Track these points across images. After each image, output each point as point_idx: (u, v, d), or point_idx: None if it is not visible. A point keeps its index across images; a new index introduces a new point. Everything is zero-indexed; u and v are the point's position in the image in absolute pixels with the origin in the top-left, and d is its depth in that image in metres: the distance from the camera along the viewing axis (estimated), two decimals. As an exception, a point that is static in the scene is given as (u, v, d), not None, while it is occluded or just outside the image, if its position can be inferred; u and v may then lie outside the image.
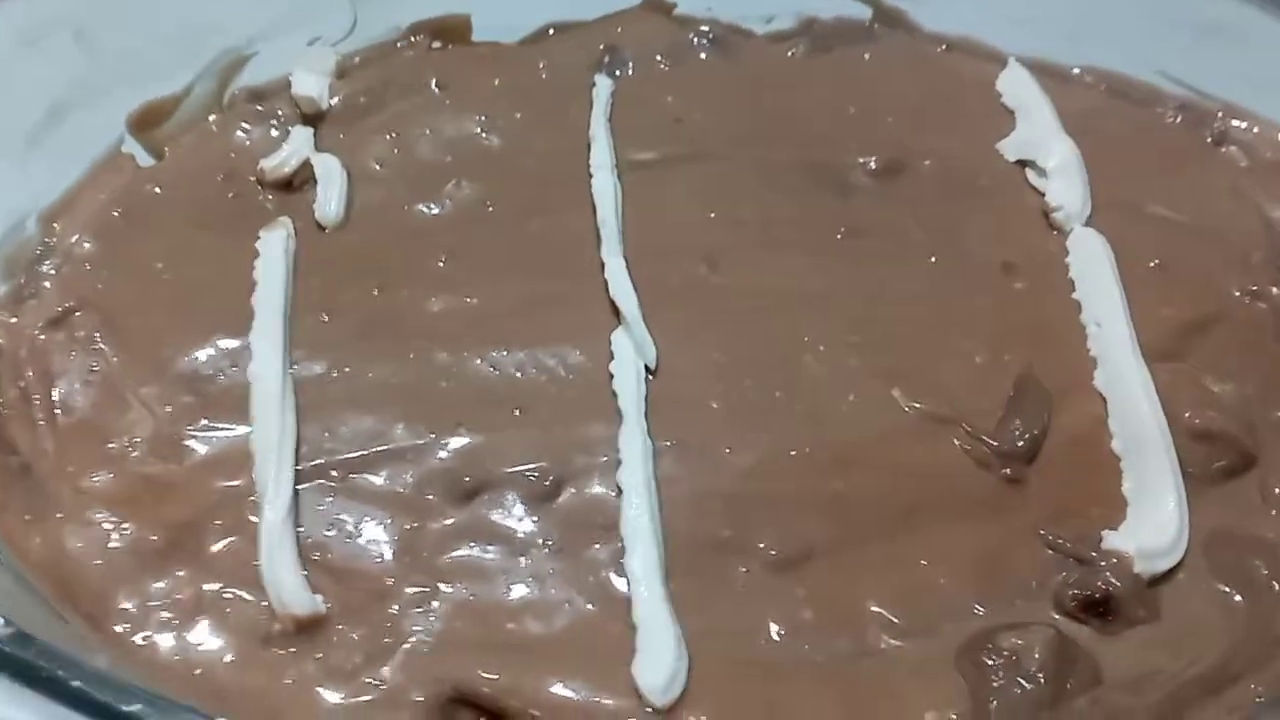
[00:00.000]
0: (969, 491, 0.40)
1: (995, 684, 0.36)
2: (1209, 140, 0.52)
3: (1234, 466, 0.42)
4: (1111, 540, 0.39)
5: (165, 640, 0.35)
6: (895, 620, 0.37)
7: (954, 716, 0.35)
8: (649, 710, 0.34)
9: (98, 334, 0.41)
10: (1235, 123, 0.52)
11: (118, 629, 0.35)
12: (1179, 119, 0.53)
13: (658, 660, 0.35)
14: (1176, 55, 0.53)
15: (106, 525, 0.37)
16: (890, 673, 0.36)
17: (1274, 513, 0.41)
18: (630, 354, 0.42)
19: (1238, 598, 0.39)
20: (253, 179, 0.47)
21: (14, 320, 0.41)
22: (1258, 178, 0.50)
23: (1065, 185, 0.48)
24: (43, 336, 0.41)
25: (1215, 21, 0.52)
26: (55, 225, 0.44)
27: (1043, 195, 0.48)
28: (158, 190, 0.46)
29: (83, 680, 0.29)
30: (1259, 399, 0.43)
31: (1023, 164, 0.50)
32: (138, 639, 0.35)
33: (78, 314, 0.42)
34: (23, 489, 0.38)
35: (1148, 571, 0.38)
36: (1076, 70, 0.54)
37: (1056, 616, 0.38)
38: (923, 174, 0.49)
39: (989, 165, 0.50)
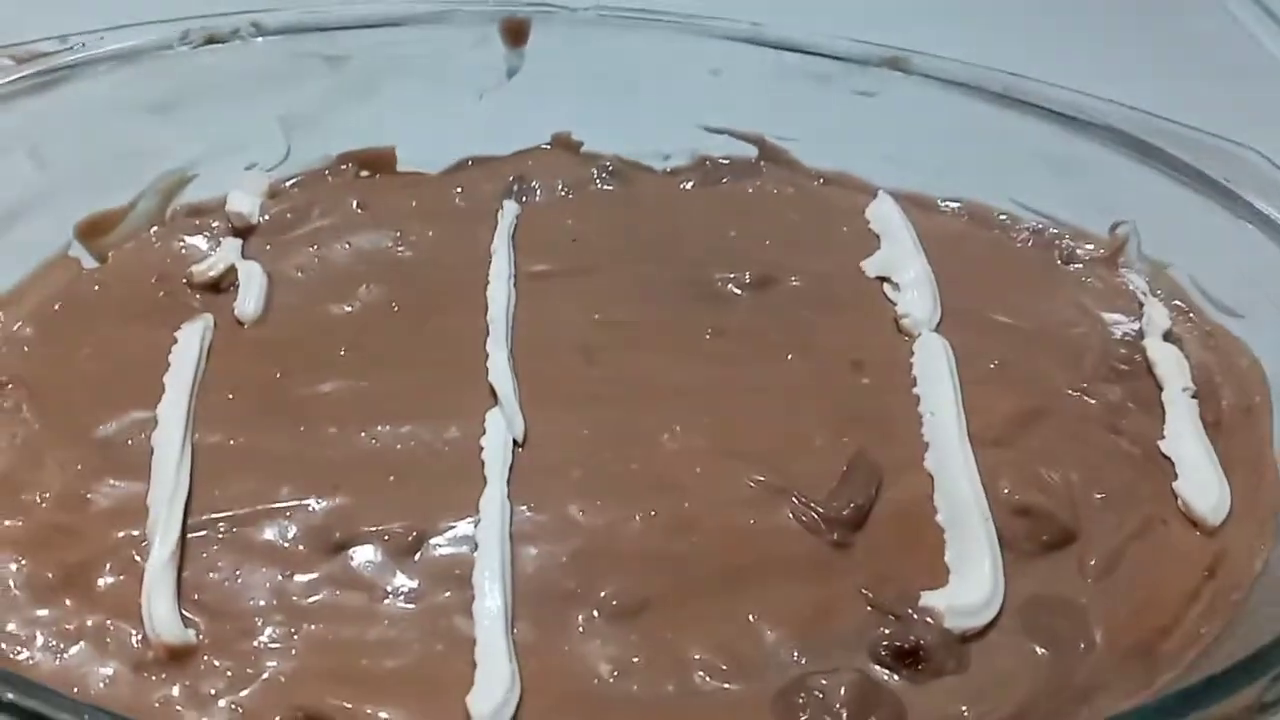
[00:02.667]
0: (798, 554, 0.44)
1: (802, 720, 0.39)
2: (1057, 260, 0.58)
3: (1054, 541, 0.45)
4: (928, 599, 0.42)
5: (47, 660, 0.39)
6: (721, 666, 0.41)
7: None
8: (478, 736, 0.38)
9: (24, 405, 0.46)
10: (1080, 245, 0.58)
11: (3, 646, 0.39)
12: (1030, 242, 0.58)
13: (490, 692, 0.38)
14: (1030, 187, 0.59)
15: (10, 564, 0.41)
16: (710, 711, 0.39)
17: (1089, 581, 0.44)
18: (501, 429, 0.46)
19: (1042, 653, 0.42)
20: (184, 281, 0.52)
21: (-50, 391, 0.47)
22: (1098, 293, 0.56)
23: (916, 297, 0.54)
24: (-27, 406, 0.46)
25: (1064, 156, 0.58)
26: (0, 314, 0.50)
27: (895, 305, 0.54)
28: (96, 288, 0.52)
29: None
30: (1081, 482, 0.47)
31: (882, 280, 0.55)
32: (21, 658, 0.39)
33: (9, 387, 0.47)
34: (-60, 532, 0.42)
35: (958, 628, 0.42)
36: (941, 201, 0.60)
37: (872, 665, 0.41)
38: (790, 287, 0.55)
39: (851, 281, 0.55)
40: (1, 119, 0.49)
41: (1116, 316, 0.54)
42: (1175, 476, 0.48)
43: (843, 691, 0.39)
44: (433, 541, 0.43)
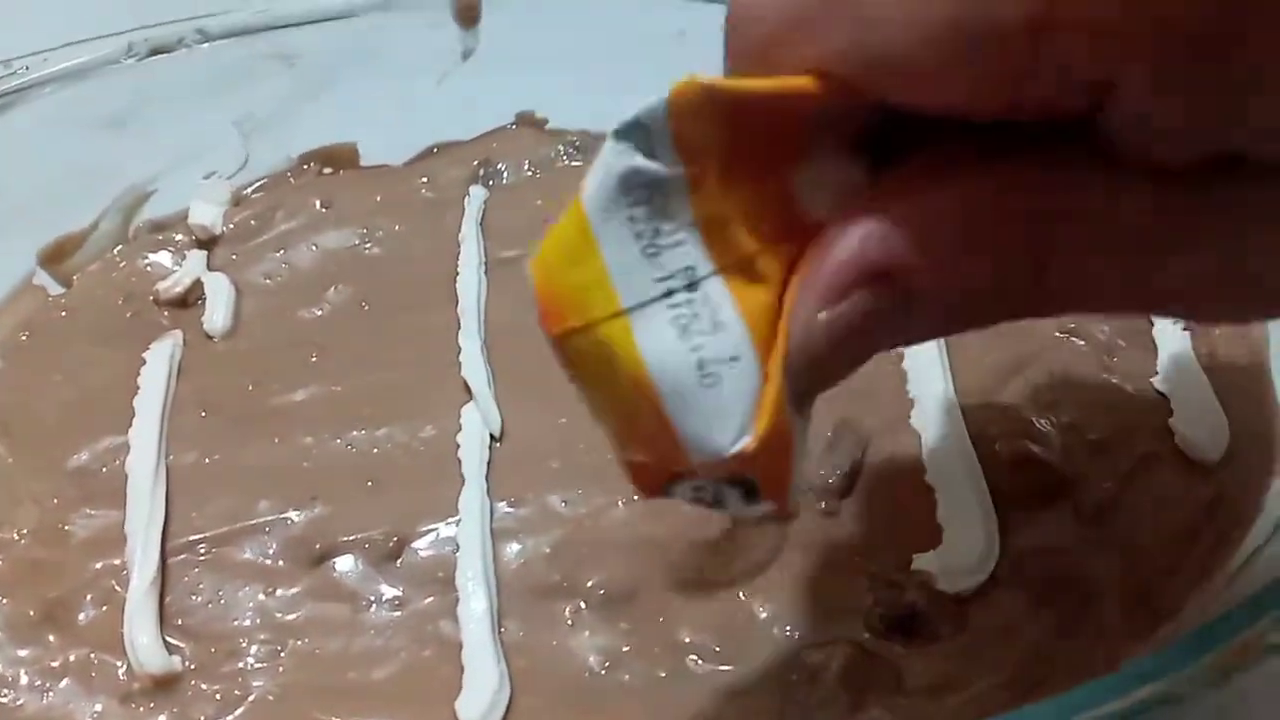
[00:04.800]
0: (785, 527, 0.43)
1: (797, 698, 0.38)
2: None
3: (1049, 490, 0.44)
4: (920, 562, 0.41)
5: (33, 700, 0.39)
6: (714, 648, 0.40)
7: (757, 728, 0.38)
8: (469, 741, 0.37)
9: (-3, 441, 0.46)
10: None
11: (-12, 691, 0.39)
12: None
13: (478, 695, 0.38)
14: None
15: (-9, 605, 0.41)
16: (705, 694, 0.39)
17: (1085, 529, 0.43)
18: (477, 424, 0.46)
19: (1043, 609, 0.41)
20: (151, 299, 0.52)
21: (-79, 430, 0.46)
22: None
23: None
24: (-55, 443, 0.46)
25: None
26: (-32, 350, 0.50)
27: (875, 259, 0.52)
28: (63, 314, 0.51)
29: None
30: (1074, 426, 0.46)
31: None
32: (5, 700, 0.38)
33: (-21, 423, 0.47)
34: (-79, 576, 0.42)
35: (953, 589, 0.41)
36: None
37: (866, 634, 0.40)
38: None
39: (829, 237, 0.54)
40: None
41: (1103, 251, 0.53)
42: (1170, 413, 0.46)
43: (835, 666, 0.39)
44: (414, 545, 0.42)
